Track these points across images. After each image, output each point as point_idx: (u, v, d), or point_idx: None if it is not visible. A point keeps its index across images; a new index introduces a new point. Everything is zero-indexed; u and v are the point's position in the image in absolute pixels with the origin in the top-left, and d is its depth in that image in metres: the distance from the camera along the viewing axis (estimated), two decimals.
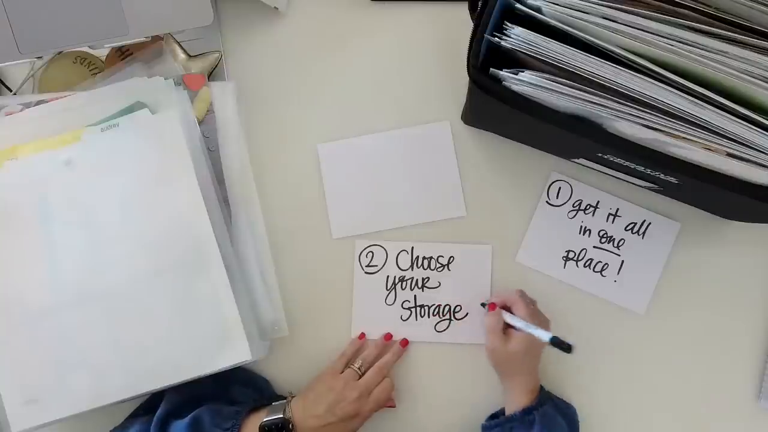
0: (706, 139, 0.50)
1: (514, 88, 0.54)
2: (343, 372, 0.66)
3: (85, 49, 0.70)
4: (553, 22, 0.52)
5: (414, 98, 0.73)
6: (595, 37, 0.51)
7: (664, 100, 0.50)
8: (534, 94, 0.54)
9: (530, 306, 0.65)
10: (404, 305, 0.71)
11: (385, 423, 0.69)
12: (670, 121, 0.50)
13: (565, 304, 0.71)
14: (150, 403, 0.67)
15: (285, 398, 0.66)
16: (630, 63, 0.50)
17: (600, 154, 0.59)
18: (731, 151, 0.50)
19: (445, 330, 0.71)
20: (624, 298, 0.70)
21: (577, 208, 0.71)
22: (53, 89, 0.70)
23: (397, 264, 0.71)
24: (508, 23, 0.53)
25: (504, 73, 0.54)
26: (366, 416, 0.64)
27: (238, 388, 0.67)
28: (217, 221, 0.66)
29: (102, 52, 0.73)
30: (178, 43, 0.71)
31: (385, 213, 0.72)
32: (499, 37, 0.54)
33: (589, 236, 0.71)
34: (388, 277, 0.71)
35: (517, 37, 0.53)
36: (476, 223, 0.72)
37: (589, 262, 0.71)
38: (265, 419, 0.61)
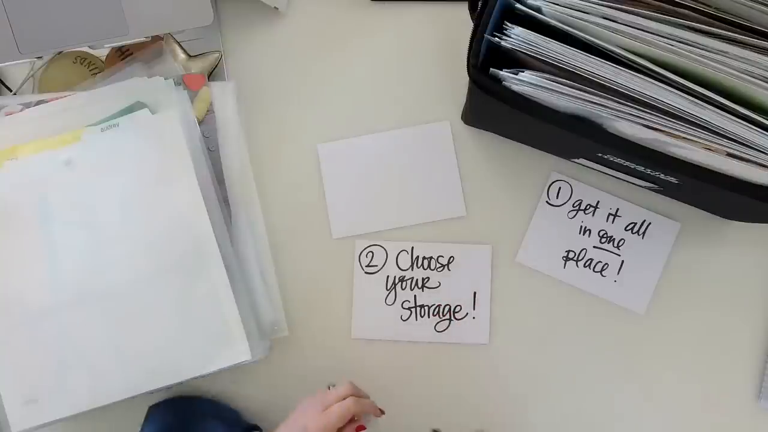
0: (706, 139, 0.50)
1: (514, 88, 0.54)
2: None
3: (85, 49, 0.70)
4: (553, 22, 0.52)
5: (414, 98, 0.73)
6: (595, 37, 0.51)
7: (664, 100, 0.50)
8: (534, 94, 0.54)
9: None
10: (404, 305, 0.71)
11: (384, 422, 0.69)
12: (670, 121, 0.50)
13: (565, 304, 0.71)
14: None
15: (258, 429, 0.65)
16: (630, 63, 0.50)
17: (600, 154, 0.59)
18: (731, 151, 0.50)
19: (445, 330, 0.71)
20: (624, 298, 0.70)
21: (577, 208, 0.71)
22: (53, 89, 0.70)
23: (397, 264, 0.71)
24: (508, 23, 0.53)
25: (504, 73, 0.54)
26: None
27: (210, 423, 0.65)
28: (217, 221, 0.66)
29: (102, 52, 0.73)
30: (178, 43, 0.71)
31: (385, 213, 0.72)
32: (499, 37, 0.54)
33: (589, 236, 0.71)
34: (388, 277, 0.71)
35: (517, 37, 0.53)
36: (476, 223, 0.72)
37: (589, 262, 0.71)
38: None
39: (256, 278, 0.68)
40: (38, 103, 0.68)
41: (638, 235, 0.71)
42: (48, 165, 0.65)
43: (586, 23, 0.51)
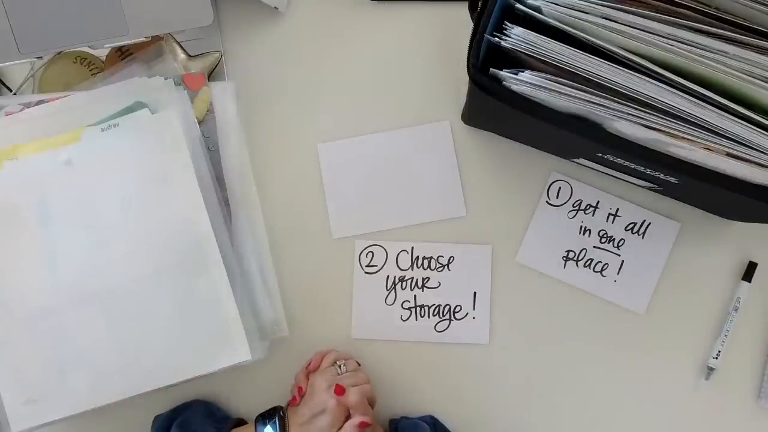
0: (706, 139, 0.50)
1: (514, 88, 0.54)
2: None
3: (85, 49, 0.70)
4: (553, 22, 0.52)
5: (414, 98, 0.73)
6: (595, 37, 0.51)
7: (664, 100, 0.50)
8: (534, 94, 0.54)
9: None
10: (404, 305, 0.71)
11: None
12: (670, 121, 0.50)
13: (565, 304, 0.71)
14: None
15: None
16: (630, 63, 0.50)
17: (600, 154, 0.59)
18: (731, 151, 0.50)
19: (445, 330, 0.71)
20: (624, 298, 0.70)
21: (577, 208, 0.71)
22: (53, 89, 0.70)
23: (397, 264, 0.71)
24: (508, 23, 0.53)
25: (504, 73, 0.54)
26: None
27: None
28: (217, 221, 0.66)
29: (102, 52, 0.73)
30: (178, 43, 0.71)
31: (385, 213, 0.72)
32: (499, 37, 0.54)
33: (589, 236, 0.71)
34: (388, 277, 0.71)
35: (517, 37, 0.53)
36: (476, 223, 0.72)
37: (589, 262, 0.71)
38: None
39: (256, 278, 0.68)
40: (38, 103, 0.68)
41: (638, 235, 0.71)
42: (48, 165, 0.65)
43: (586, 23, 0.51)
